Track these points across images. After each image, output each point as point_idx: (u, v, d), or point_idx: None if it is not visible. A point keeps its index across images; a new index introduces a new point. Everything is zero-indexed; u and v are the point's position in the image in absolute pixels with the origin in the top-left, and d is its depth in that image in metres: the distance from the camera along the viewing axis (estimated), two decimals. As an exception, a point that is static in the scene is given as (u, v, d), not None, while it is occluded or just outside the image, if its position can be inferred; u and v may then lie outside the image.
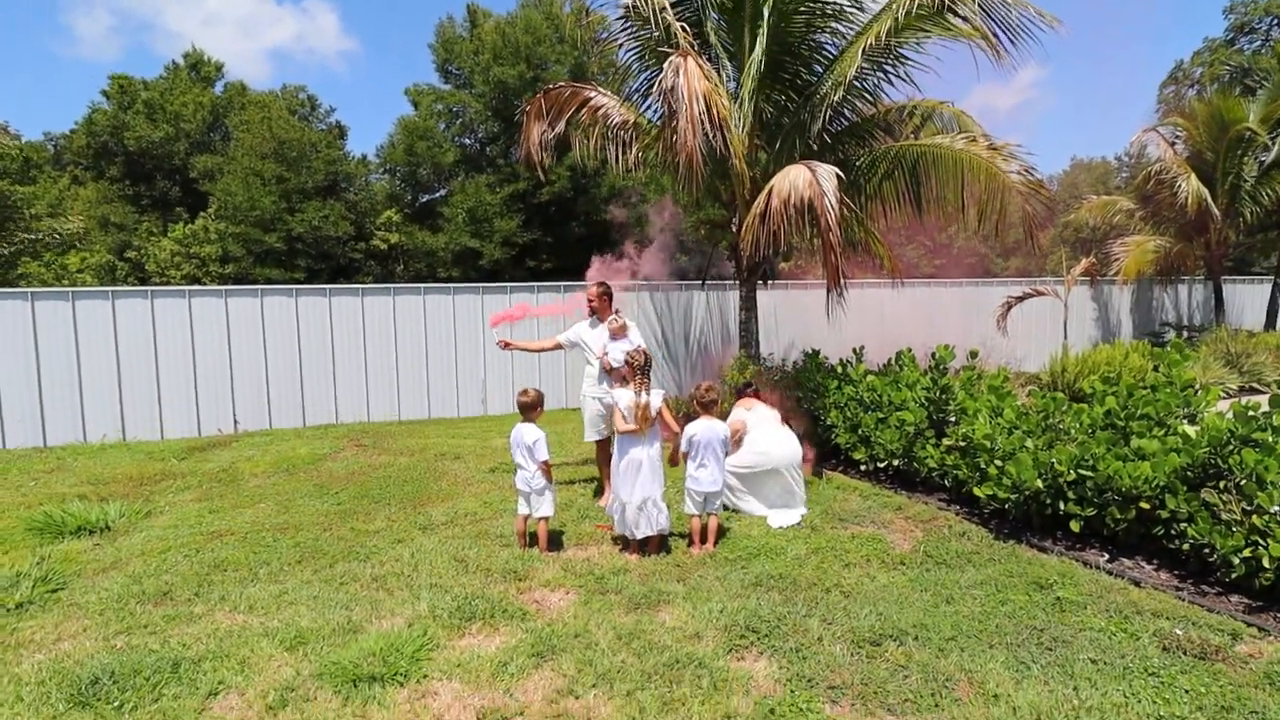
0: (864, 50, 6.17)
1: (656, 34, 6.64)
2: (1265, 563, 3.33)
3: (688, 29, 6.55)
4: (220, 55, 41.97)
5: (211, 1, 52.61)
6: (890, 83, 6.96)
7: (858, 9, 6.63)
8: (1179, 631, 3.15)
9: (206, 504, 5.65)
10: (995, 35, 5.88)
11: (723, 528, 4.59)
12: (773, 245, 6.00)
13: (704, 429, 4.37)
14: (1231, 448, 3.81)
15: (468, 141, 22.25)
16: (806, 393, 6.70)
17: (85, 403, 8.38)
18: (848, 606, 3.49)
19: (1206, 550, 3.62)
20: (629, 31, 7.25)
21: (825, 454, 6.33)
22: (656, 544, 4.34)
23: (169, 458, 7.38)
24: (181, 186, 24.08)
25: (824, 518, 4.90)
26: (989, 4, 5.94)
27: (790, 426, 5.32)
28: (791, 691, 2.77)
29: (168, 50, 54.82)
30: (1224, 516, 3.59)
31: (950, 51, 6.48)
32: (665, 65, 5.74)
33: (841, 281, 5.99)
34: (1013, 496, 4.40)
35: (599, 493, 5.57)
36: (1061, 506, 4.23)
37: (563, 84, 7.25)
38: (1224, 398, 8.71)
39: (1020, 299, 11.69)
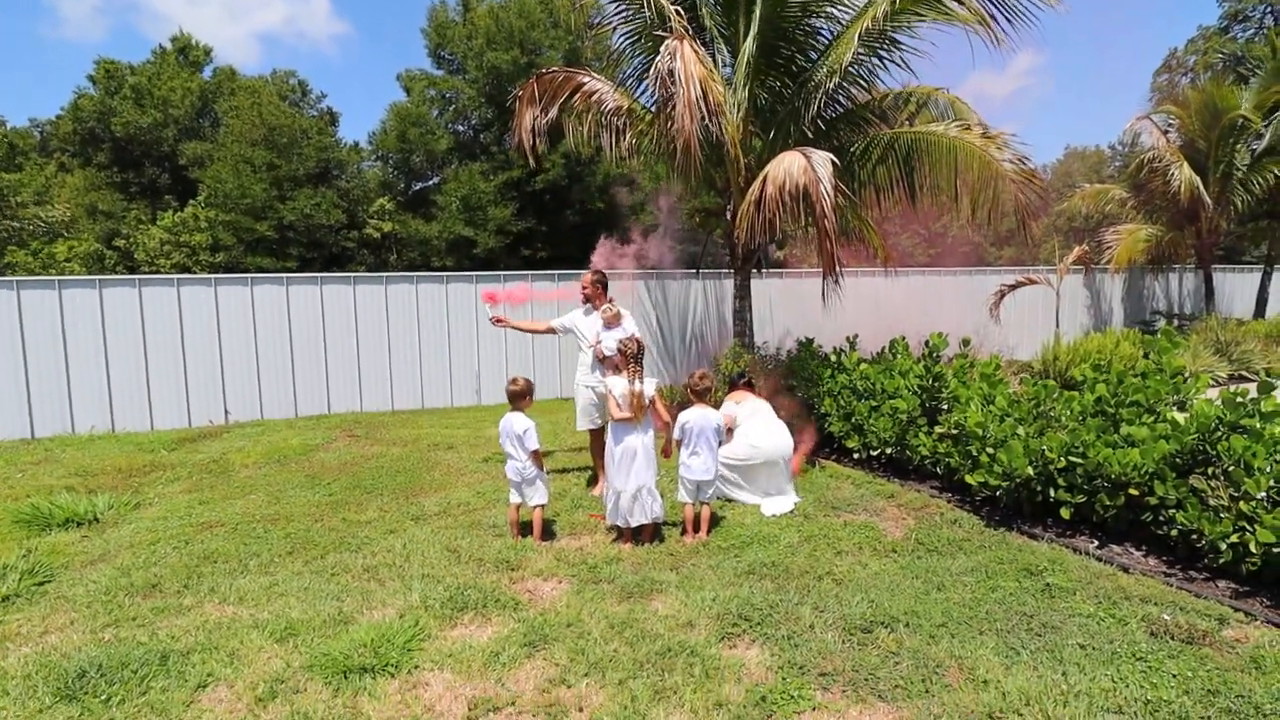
0: (860, 35, 6.10)
1: (650, 18, 6.56)
2: (1252, 548, 3.36)
3: (682, 13, 6.46)
4: (208, 39, 41.43)
5: (198, -16, 51.82)
6: (885, 69, 6.90)
7: (854, -8, 6.56)
8: (1167, 617, 3.18)
9: (196, 495, 5.61)
10: (992, 17, 5.82)
11: (716, 516, 4.60)
12: (768, 233, 5.96)
13: (697, 417, 4.35)
14: (1220, 434, 3.83)
15: (461, 128, 22.02)
16: (801, 381, 6.70)
17: (73, 393, 8.30)
18: (839, 594, 3.51)
19: (1194, 536, 3.65)
20: (622, 15, 7.16)
21: (819, 442, 6.34)
22: (651, 532, 4.34)
23: (158, 449, 7.33)
24: (170, 173, 23.76)
25: (817, 506, 4.92)
26: (987, -17, 5.88)
27: (781, 416, 5.31)
28: (783, 679, 2.78)
29: (154, 32, 54.03)
30: (1212, 503, 3.61)
31: (946, 37, 6.45)
32: (661, 49, 5.67)
33: (837, 269, 5.97)
34: (1004, 484, 4.42)
35: (592, 482, 5.56)
36: (1052, 493, 4.25)
37: (556, 69, 7.15)
38: (1213, 385, 8.76)
39: (1013, 287, 11.72)
